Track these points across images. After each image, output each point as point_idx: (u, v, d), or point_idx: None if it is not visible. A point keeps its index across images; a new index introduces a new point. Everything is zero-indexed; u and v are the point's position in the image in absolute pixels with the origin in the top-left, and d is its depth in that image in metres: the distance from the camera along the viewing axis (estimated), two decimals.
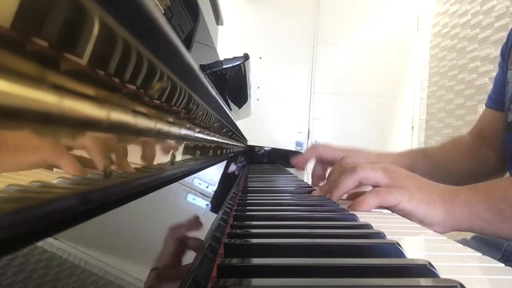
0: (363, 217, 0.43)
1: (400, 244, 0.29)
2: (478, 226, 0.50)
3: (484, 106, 0.90)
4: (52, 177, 0.13)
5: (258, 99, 2.86)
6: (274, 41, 2.94)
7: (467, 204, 0.50)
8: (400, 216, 0.50)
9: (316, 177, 0.82)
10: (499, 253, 0.69)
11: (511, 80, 0.76)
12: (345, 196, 0.60)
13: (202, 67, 0.56)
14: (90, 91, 0.14)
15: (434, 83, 2.81)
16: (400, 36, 2.95)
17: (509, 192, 0.49)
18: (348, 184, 0.54)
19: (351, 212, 0.45)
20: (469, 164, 0.86)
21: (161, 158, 0.25)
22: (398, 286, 0.22)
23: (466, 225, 0.50)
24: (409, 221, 0.48)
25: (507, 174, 0.82)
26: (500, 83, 0.84)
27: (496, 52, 2.05)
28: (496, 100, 0.85)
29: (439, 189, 0.52)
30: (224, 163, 0.69)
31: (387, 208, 0.52)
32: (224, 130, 0.63)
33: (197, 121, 0.36)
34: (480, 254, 0.33)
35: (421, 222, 0.49)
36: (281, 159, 1.58)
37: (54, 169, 0.13)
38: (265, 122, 2.93)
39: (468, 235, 0.82)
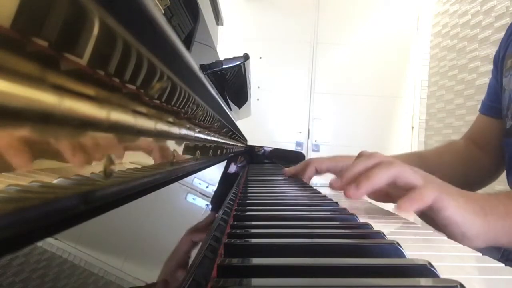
0: (363, 217, 0.43)
1: (400, 244, 0.29)
2: None
3: (479, 112, 0.91)
4: (52, 177, 0.13)
5: (258, 99, 2.86)
6: (274, 41, 2.94)
7: (508, 216, 0.45)
8: (400, 216, 0.50)
9: (307, 178, 0.80)
10: (498, 253, 0.69)
11: (507, 87, 0.76)
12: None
13: (202, 67, 0.56)
14: (90, 91, 0.14)
15: (434, 83, 2.81)
16: (400, 36, 2.95)
17: None
18: (382, 177, 0.47)
19: (351, 212, 0.45)
20: (462, 168, 0.86)
21: (161, 158, 0.25)
22: (398, 286, 0.22)
23: (507, 239, 0.45)
24: (409, 221, 0.48)
25: (504, 180, 0.82)
26: (493, 90, 0.85)
27: None
28: (490, 107, 0.86)
29: (477, 198, 0.47)
30: (224, 163, 0.69)
31: (431, 215, 0.45)
32: (224, 130, 0.63)
33: (197, 121, 0.36)
34: (480, 254, 0.33)
35: (464, 235, 0.44)
36: (281, 159, 1.58)
37: (54, 169, 0.13)
38: (265, 122, 2.93)
39: None
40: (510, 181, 0.76)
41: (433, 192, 0.43)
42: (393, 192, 0.51)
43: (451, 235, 0.43)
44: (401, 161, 0.82)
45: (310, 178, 0.82)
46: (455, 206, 0.43)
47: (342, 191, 0.50)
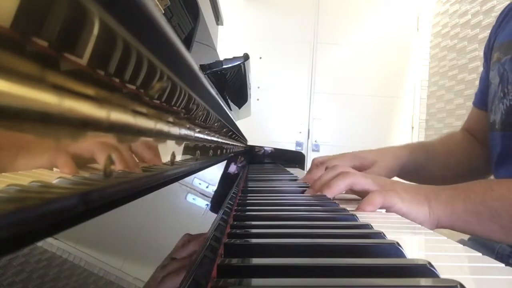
0: (363, 217, 0.43)
1: (400, 244, 0.29)
2: (458, 225, 0.53)
3: (472, 105, 0.93)
4: (52, 177, 0.13)
5: (258, 99, 2.86)
6: (274, 41, 2.94)
7: (449, 204, 0.53)
8: (400, 216, 0.51)
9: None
10: (493, 254, 0.70)
11: (493, 80, 0.77)
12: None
13: (202, 67, 0.56)
14: (90, 91, 0.14)
15: (434, 83, 2.81)
16: (400, 36, 2.95)
17: (486, 195, 0.52)
18: (340, 186, 0.58)
19: (351, 212, 0.45)
20: (465, 157, 0.89)
21: (161, 158, 0.25)
22: (398, 286, 0.22)
23: (448, 224, 0.53)
24: (409, 221, 0.49)
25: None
26: (484, 83, 0.86)
27: None
28: (481, 100, 0.87)
29: (423, 189, 0.56)
30: (224, 163, 0.69)
31: (386, 210, 0.54)
32: (224, 130, 0.63)
33: (197, 121, 0.36)
34: (480, 254, 0.33)
35: (413, 221, 0.51)
36: (281, 159, 1.58)
37: (54, 169, 0.13)
38: (265, 122, 2.93)
39: (466, 236, 0.83)
40: (496, 175, 0.76)
41: (380, 195, 0.53)
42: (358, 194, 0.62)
43: None
44: (405, 150, 0.86)
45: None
46: (399, 201, 0.52)
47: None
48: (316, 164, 0.85)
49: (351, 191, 0.60)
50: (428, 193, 0.54)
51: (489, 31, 0.88)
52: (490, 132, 0.79)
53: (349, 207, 0.51)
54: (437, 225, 0.53)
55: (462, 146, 0.91)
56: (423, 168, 0.83)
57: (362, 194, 0.58)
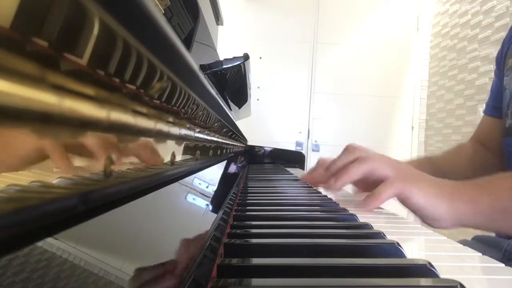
0: (363, 217, 0.43)
1: (400, 244, 0.29)
2: (482, 223, 0.51)
3: (483, 114, 0.92)
4: (52, 177, 0.13)
5: (258, 99, 2.86)
6: (274, 41, 2.94)
7: (472, 201, 0.50)
8: (400, 216, 0.50)
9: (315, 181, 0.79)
10: (500, 253, 0.70)
11: (508, 86, 0.77)
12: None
13: (202, 67, 0.56)
14: (90, 91, 0.14)
15: (434, 83, 2.81)
16: (400, 36, 2.95)
17: None
18: (358, 172, 0.54)
19: (351, 212, 0.45)
20: (472, 170, 0.87)
21: (161, 158, 0.25)
22: (398, 286, 0.22)
23: (471, 221, 0.50)
24: (409, 220, 0.48)
25: None
26: (496, 91, 0.86)
27: (496, 52, 2.04)
28: (494, 108, 0.87)
29: (445, 184, 0.53)
30: (224, 163, 0.69)
31: (401, 202, 0.51)
32: (224, 130, 0.63)
33: (197, 121, 0.36)
34: (480, 254, 0.33)
35: (429, 217, 0.50)
36: (281, 159, 1.58)
37: (54, 169, 0.13)
38: (265, 122, 2.93)
39: (469, 236, 0.83)
40: None
41: (396, 184, 0.49)
42: (373, 184, 0.56)
43: (421, 218, 0.50)
44: (413, 166, 0.83)
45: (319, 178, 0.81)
46: (418, 193, 0.49)
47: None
48: (321, 164, 0.82)
49: (363, 183, 0.56)
50: (451, 189, 0.52)
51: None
52: (505, 137, 0.79)
53: (350, 207, 0.51)
54: (458, 223, 0.51)
55: (472, 158, 0.89)
56: None
57: (377, 184, 0.54)
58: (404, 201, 0.50)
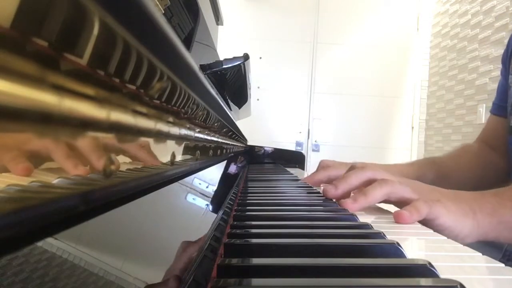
0: (363, 217, 0.43)
1: (400, 244, 0.29)
2: (505, 235, 0.49)
3: (490, 113, 0.92)
4: (52, 177, 0.13)
5: (258, 99, 2.86)
6: (274, 41, 2.94)
7: (495, 214, 0.49)
8: None
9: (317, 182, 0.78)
10: (500, 253, 0.70)
11: None
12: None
13: (202, 67, 0.56)
14: (90, 91, 0.14)
15: (434, 83, 2.81)
16: (400, 36, 2.95)
17: None
18: (377, 195, 0.51)
19: (351, 212, 0.45)
20: (476, 171, 0.86)
21: (161, 158, 0.25)
22: (398, 286, 0.22)
23: (493, 234, 0.49)
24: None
25: None
26: (502, 90, 0.86)
27: (496, 52, 2.05)
28: (500, 107, 0.87)
29: (465, 198, 0.51)
30: (224, 163, 0.69)
31: (427, 223, 0.48)
32: (224, 130, 0.63)
33: (197, 121, 0.36)
34: (480, 254, 0.33)
35: (457, 236, 0.48)
36: (281, 159, 1.58)
37: (54, 169, 0.13)
38: (265, 122, 2.93)
39: None
40: None
41: (426, 205, 0.47)
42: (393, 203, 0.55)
43: (447, 236, 0.45)
44: (412, 168, 0.82)
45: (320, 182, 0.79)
46: (446, 213, 0.47)
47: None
48: (323, 166, 0.81)
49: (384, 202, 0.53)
50: (472, 202, 0.50)
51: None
52: (509, 136, 0.79)
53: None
54: (481, 237, 0.49)
55: (477, 159, 0.88)
56: (433, 185, 0.81)
57: (398, 205, 0.52)
58: (430, 222, 0.48)
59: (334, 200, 0.55)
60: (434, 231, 0.46)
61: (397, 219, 0.47)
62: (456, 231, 0.47)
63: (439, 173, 0.83)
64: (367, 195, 0.51)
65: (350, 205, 0.51)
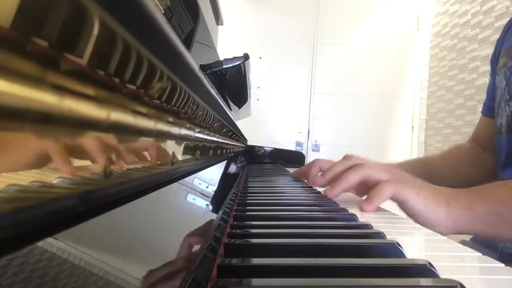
0: (363, 217, 0.43)
1: (400, 244, 0.29)
2: (479, 228, 0.51)
3: (481, 114, 0.94)
4: (52, 177, 0.13)
5: (258, 99, 2.86)
6: (274, 41, 2.94)
7: (469, 207, 0.50)
8: (400, 216, 0.50)
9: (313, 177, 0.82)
10: (496, 254, 0.70)
11: (499, 85, 0.79)
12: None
13: (202, 67, 0.56)
14: (90, 91, 0.14)
15: (434, 83, 2.81)
16: (400, 36, 2.95)
17: (508, 197, 0.51)
18: (353, 178, 0.55)
19: (351, 212, 0.45)
20: (467, 169, 0.88)
21: (161, 158, 0.25)
22: (398, 286, 0.22)
23: (468, 227, 0.51)
24: (409, 220, 0.49)
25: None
26: (491, 90, 0.88)
27: None
28: (490, 107, 0.89)
29: (442, 190, 0.53)
30: (224, 163, 0.69)
31: (398, 205, 0.52)
32: (224, 130, 0.63)
33: (197, 121, 0.36)
34: (480, 254, 0.33)
35: (426, 221, 0.50)
36: (281, 159, 1.58)
37: (54, 169, 0.13)
38: (265, 122, 2.93)
39: (467, 237, 0.83)
40: (501, 177, 0.77)
41: (391, 186, 0.49)
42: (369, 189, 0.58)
43: (419, 223, 0.50)
44: (402, 167, 0.84)
45: (314, 176, 0.83)
46: (416, 196, 0.49)
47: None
48: (316, 164, 0.84)
49: (363, 188, 0.57)
50: (448, 195, 0.52)
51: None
52: (496, 136, 0.80)
53: (350, 207, 0.51)
54: (455, 229, 0.51)
55: (469, 159, 0.90)
56: None
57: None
58: (401, 204, 0.51)
59: (334, 200, 0.55)
60: (406, 213, 0.50)
61: (361, 210, 0.50)
62: (426, 216, 0.49)
63: (427, 172, 0.86)
64: (343, 180, 0.55)
65: (329, 192, 0.56)
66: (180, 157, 0.30)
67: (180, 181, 0.32)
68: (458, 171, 0.88)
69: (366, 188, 0.59)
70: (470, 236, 0.82)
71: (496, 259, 0.31)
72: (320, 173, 0.82)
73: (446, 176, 0.87)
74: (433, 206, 0.50)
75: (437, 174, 0.86)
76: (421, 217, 0.50)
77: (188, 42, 0.55)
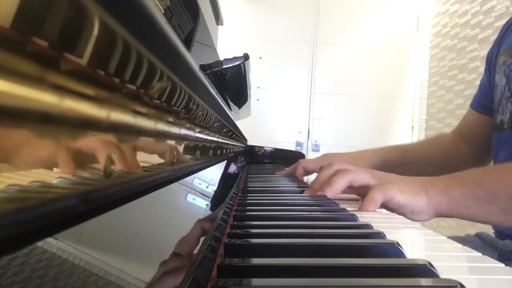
0: (362, 217, 0.43)
1: (400, 244, 0.29)
2: (457, 210, 0.54)
3: (469, 107, 0.96)
4: (52, 177, 0.13)
5: (258, 99, 2.86)
6: (274, 41, 2.94)
7: (446, 190, 0.54)
8: (400, 216, 0.51)
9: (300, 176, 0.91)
10: (496, 253, 0.70)
11: (499, 83, 0.80)
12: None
13: (202, 67, 0.56)
14: (90, 91, 0.14)
15: (434, 83, 2.81)
16: (400, 36, 2.95)
17: (484, 179, 0.54)
18: (341, 183, 0.58)
19: (352, 212, 0.45)
20: (444, 160, 0.93)
21: (161, 158, 0.25)
22: (398, 286, 0.22)
23: (446, 210, 0.54)
24: (409, 220, 0.49)
25: None
26: (484, 87, 0.90)
27: None
28: (480, 103, 0.91)
29: (418, 180, 0.57)
30: (224, 163, 0.69)
31: (385, 204, 0.54)
32: (224, 130, 0.63)
33: (197, 121, 0.36)
34: (480, 254, 0.33)
35: (412, 212, 0.53)
36: (281, 159, 1.58)
37: (54, 169, 0.13)
38: (265, 122, 2.93)
39: (472, 231, 0.84)
40: None
41: (380, 191, 0.53)
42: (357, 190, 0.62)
43: (403, 214, 0.53)
44: (379, 152, 0.90)
45: (301, 177, 0.92)
46: (398, 192, 0.53)
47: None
48: (301, 165, 0.91)
49: (350, 188, 0.61)
50: (425, 183, 0.55)
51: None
52: (494, 133, 0.81)
53: (349, 207, 0.51)
54: (436, 213, 0.54)
55: (447, 149, 0.93)
56: (396, 169, 0.85)
57: (361, 190, 0.59)
58: (387, 203, 0.53)
59: (334, 200, 0.55)
60: (392, 209, 0.54)
61: (363, 207, 0.53)
62: (410, 207, 0.53)
63: (401, 158, 0.91)
64: (332, 184, 0.58)
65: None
66: (180, 157, 0.30)
67: (180, 181, 0.32)
68: (432, 160, 0.92)
69: (353, 189, 0.62)
70: (475, 232, 0.83)
71: (496, 258, 0.31)
72: (305, 176, 0.93)
73: (418, 164, 0.91)
74: (413, 196, 0.53)
75: (409, 161, 0.91)
76: (404, 208, 0.53)
77: (188, 42, 0.55)
